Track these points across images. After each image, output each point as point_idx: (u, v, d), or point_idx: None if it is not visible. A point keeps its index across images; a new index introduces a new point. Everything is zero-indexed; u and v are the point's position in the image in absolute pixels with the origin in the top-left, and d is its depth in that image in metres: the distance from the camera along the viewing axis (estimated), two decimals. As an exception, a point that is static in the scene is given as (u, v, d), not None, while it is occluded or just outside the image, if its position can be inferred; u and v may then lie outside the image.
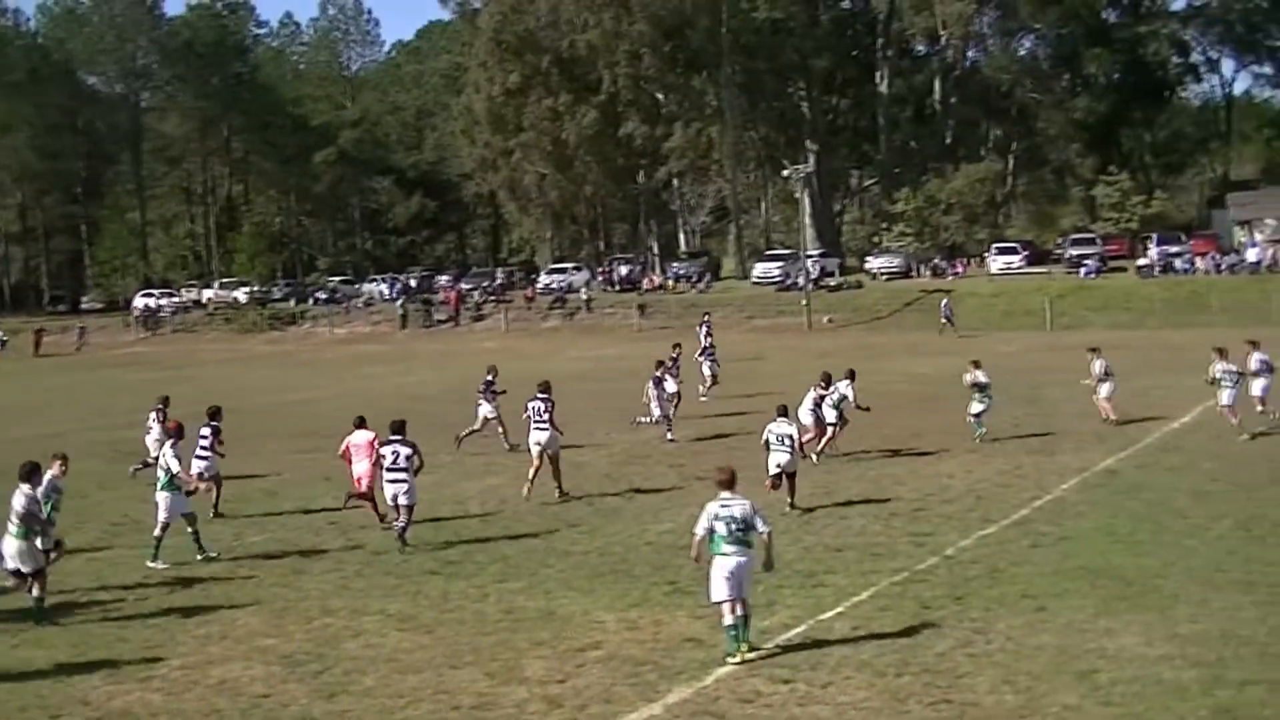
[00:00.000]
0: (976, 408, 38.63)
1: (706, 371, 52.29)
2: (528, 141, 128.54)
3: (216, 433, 31.81)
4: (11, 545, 22.18)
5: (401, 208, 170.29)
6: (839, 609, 20.87)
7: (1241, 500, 28.64)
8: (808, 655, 18.54)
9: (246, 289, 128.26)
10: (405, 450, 27.64)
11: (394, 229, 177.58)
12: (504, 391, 40.87)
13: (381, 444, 28.39)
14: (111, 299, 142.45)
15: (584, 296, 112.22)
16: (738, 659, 18.48)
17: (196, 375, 62.40)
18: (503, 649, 19.40)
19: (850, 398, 36.38)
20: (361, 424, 30.45)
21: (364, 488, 29.61)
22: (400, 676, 18.25)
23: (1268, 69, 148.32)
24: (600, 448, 39.69)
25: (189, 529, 26.47)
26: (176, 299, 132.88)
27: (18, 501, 22.23)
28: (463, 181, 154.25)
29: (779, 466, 29.39)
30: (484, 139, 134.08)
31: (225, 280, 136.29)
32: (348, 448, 30.15)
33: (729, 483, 19.15)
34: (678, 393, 44.31)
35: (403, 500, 27.35)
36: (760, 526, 18.94)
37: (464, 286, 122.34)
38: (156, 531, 26.25)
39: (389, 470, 27.60)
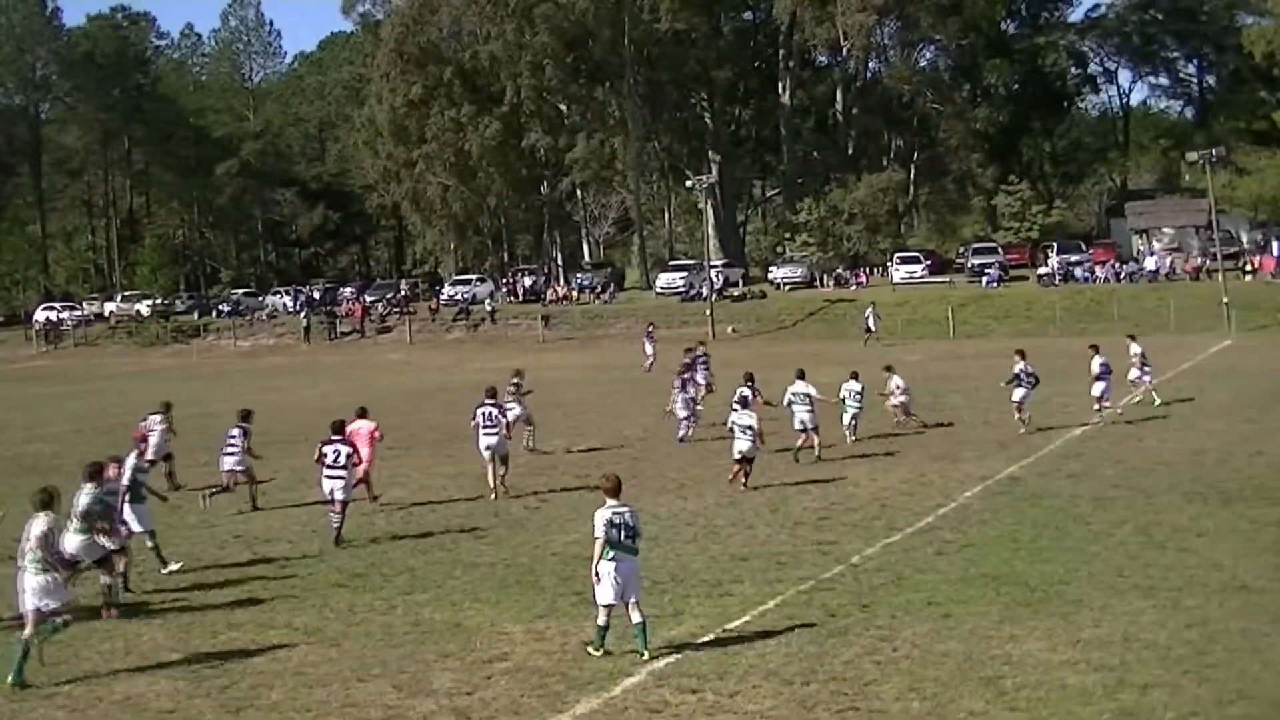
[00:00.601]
0: (1019, 394, 41.86)
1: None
2: (431, 153, 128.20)
3: (246, 434, 33.23)
4: (74, 541, 22.78)
5: (305, 219, 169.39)
6: (746, 618, 20.92)
7: (1141, 506, 28.94)
8: (715, 664, 18.57)
9: (149, 302, 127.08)
10: (345, 449, 29.22)
11: (297, 241, 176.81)
12: (530, 391, 41.19)
13: (323, 443, 29.53)
14: (12, 312, 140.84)
15: (488, 308, 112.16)
16: (599, 654, 19.06)
17: (99, 389, 61.84)
18: (410, 661, 19.35)
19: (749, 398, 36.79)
20: (363, 414, 34.02)
21: (361, 474, 31.49)
22: (307, 690, 18.16)
23: (1164, 80, 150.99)
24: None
25: (149, 543, 26.33)
26: (78, 312, 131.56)
27: (81, 500, 23.42)
28: (366, 193, 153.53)
29: (741, 454, 32.18)
30: (387, 150, 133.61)
31: (128, 293, 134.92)
32: (354, 433, 31.63)
33: (615, 490, 19.70)
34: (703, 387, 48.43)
35: (339, 495, 28.72)
36: (640, 532, 19.68)
37: (368, 298, 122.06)
38: (149, 543, 26.23)
39: (328, 468, 28.95)
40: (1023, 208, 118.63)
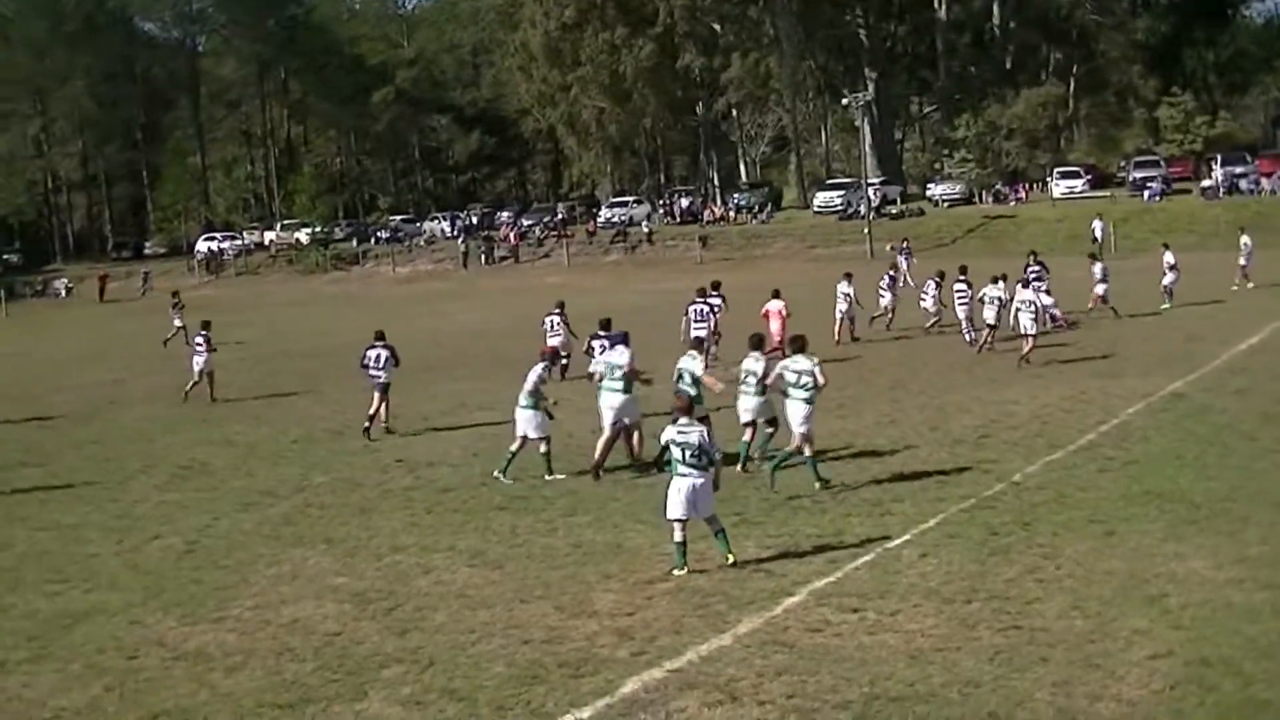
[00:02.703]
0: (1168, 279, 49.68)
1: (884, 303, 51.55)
2: (585, 76, 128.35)
3: (393, 351, 34.73)
4: (523, 415, 27.00)
5: (460, 145, 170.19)
6: (906, 537, 20.84)
7: (1310, 421, 28.50)
8: (876, 583, 18.53)
9: (308, 230, 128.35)
10: (384, 352, 33.93)
11: (454, 166, 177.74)
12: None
13: (591, 338, 35.12)
14: (174, 244, 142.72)
15: (645, 230, 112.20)
16: (684, 571, 19.32)
17: (262, 318, 62.68)
18: (572, 582, 19.48)
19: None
20: (777, 294, 43.46)
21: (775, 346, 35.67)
22: (471, 612, 18.33)
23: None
24: (662, 380, 39.67)
25: (541, 450, 27.27)
26: (239, 242, 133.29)
27: (531, 377, 27.21)
28: (521, 117, 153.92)
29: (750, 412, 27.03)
30: (541, 74, 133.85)
31: (287, 222, 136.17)
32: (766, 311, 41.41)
33: (687, 409, 20.21)
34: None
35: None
36: (714, 455, 19.79)
37: (525, 222, 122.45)
38: (513, 447, 27.42)
39: (370, 369, 33.82)
40: (1185, 119, 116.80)
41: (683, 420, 19.74)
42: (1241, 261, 57.69)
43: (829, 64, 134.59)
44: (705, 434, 19.73)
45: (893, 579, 18.68)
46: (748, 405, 26.57)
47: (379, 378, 33.92)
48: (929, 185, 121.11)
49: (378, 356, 34.00)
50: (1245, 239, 58.56)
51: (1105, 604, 17.18)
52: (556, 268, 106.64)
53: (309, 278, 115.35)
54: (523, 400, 27.26)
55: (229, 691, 15.81)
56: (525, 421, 27.15)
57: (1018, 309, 39.81)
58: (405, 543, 22.38)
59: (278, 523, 24.59)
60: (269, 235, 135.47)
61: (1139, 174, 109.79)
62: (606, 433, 27.52)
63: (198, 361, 42.64)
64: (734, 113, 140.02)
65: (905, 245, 70.13)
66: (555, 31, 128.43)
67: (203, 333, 43.30)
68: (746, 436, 26.81)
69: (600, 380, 28.19)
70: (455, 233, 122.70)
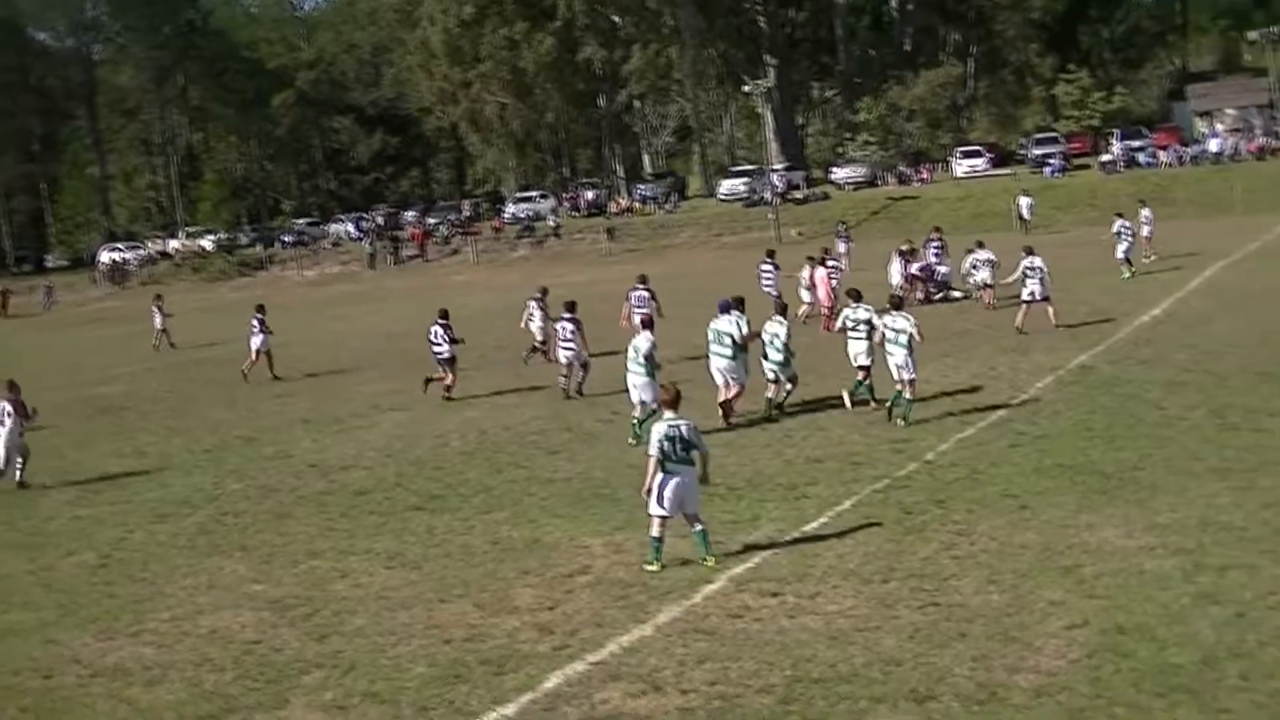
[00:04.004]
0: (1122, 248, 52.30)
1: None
2: (486, 72, 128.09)
3: (578, 324, 36.18)
4: (640, 381, 28.74)
5: (363, 146, 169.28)
6: (823, 519, 20.98)
7: (1214, 389, 28.81)
8: (794, 567, 18.64)
9: (213, 237, 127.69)
10: (571, 326, 35.73)
11: (357, 167, 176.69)
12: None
13: (558, 320, 36.81)
14: (76, 255, 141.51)
15: (551, 224, 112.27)
16: (656, 568, 19.01)
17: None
18: (491, 580, 19.48)
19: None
20: (823, 261, 47.29)
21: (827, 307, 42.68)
22: (390, 614, 18.31)
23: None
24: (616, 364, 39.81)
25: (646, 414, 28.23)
26: (142, 251, 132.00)
27: (643, 346, 28.99)
28: (423, 116, 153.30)
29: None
30: (442, 72, 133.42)
31: (191, 229, 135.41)
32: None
33: (673, 402, 19.74)
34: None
35: (575, 361, 35.92)
36: (701, 445, 19.49)
37: (431, 221, 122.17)
38: (637, 414, 28.88)
39: (562, 341, 36.17)
40: (1083, 96, 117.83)
41: (669, 414, 19.50)
42: (1145, 234, 58.43)
43: (729, 52, 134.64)
44: (693, 427, 19.54)
45: (810, 562, 18.79)
46: (773, 359, 30.26)
47: (441, 352, 37.39)
48: (833, 169, 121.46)
49: (436, 332, 37.62)
50: (1146, 212, 59.75)
51: (1021, 577, 17.35)
52: (464, 265, 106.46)
53: (215, 285, 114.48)
54: (636, 369, 29.08)
55: (149, 706, 15.73)
56: (642, 388, 28.76)
57: (1026, 275, 41.10)
58: (322, 547, 22.31)
59: (193, 532, 24.43)
60: (173, 244, 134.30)
61: (1039, 151, 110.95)
62: (723, 392, 29.93)
63: (255, 342, 45.99)
64: (636, 104, 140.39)
65: (843, 229, 69.96)
66: (455, 28, 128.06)
67: (258, 315, 46.37)
68: (770, 392, 30.43)
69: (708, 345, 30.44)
70: (361, 234, 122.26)
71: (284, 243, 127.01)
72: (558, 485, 25.47)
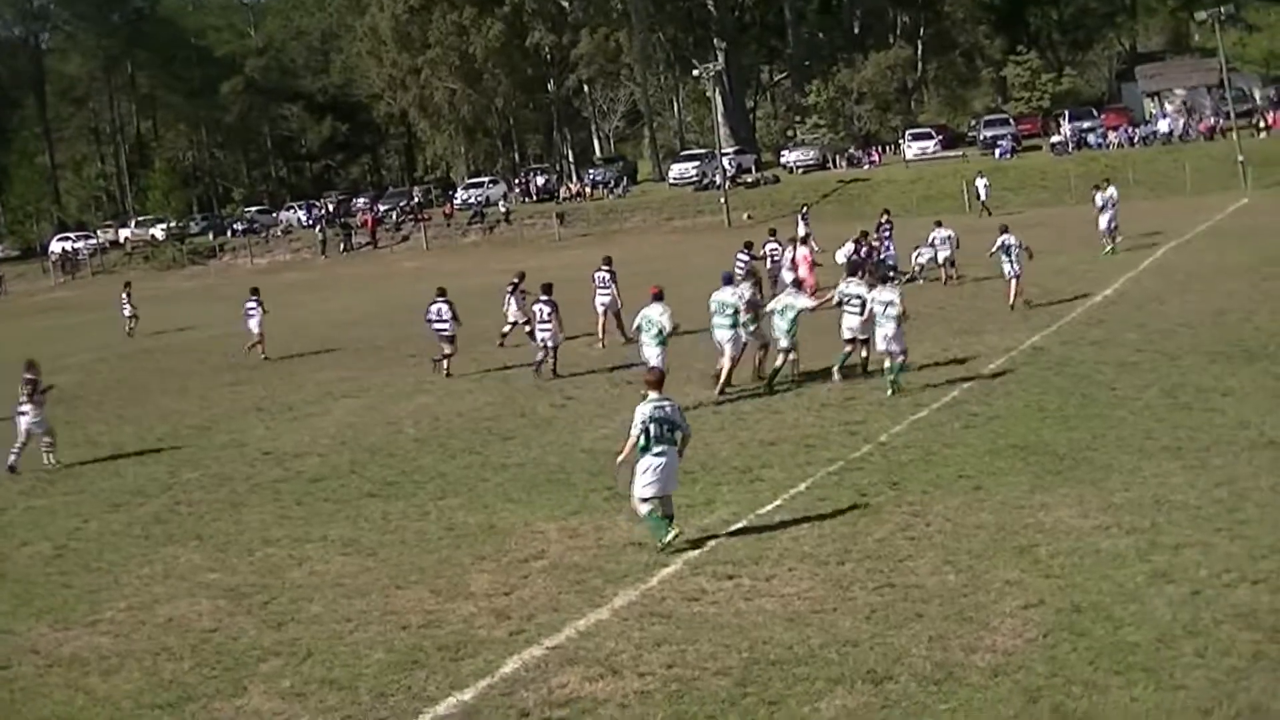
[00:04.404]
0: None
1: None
2: (435, 58, 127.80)
3: (555, 306, 36.53)
4: (725, 334, 30.93)
5: (313, 133, 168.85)
6: (777, 502, 21.00)
7: (1166, 369, 28.96)
8: (750, 550, 18.66)
9: (163, 226, 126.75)
10: (547, 308, 36.12)
11: (307, 155, 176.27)
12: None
13: (534, 303, 37.48)
14: (27, 245, 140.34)
15: (502, 209, 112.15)
16: (672, 535, 18.90)
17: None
18: (447, 566, 19.45)
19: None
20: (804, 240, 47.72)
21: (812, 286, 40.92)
22: (347, 600, 18.27)
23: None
24: (528, 360, 39.74)
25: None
26: (93, 241, 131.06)
27: (733, 299, 31.01)
28: (373, 102, 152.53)
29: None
30: (391, 58, 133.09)
31: (141, 218, 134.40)
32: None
33: (658, 383, 19.64)
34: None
35: (550, 342, 36.15)
36: (684, 427, 19.44)
37: (381, 208, 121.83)
38: (726, 365, 31.06)
39: (541, 323, 36.33)
40: (1032, 77, 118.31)
41: (653, 395, 19.31)
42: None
43: (678, 36, 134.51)
44: (677, 407, 19.46)
45: (766, 544, 18.81)
46: (780, 329, 31.23)
47: (444, 329, 38.17)
48: (783, 152, 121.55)
49: (439, 310, 38.43)
50: (1112, 191, 58.27)
51: (976, 558, 17.41)
52: (415, 252, 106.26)
53: (166, 274, 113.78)
54: (722, 321, 31.07)
55: (106, 695, 15.67)
56: (726, 340, 31.00)
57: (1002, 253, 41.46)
58: (277, 535, 22.24)
59: (148, 522, 24.33)
60: (124, 233, 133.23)
61: (989, 133, 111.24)
62: (727, 363, 31.27)
63: (253, 323, 47.73)
64: (585, 89, 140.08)
65: (805, 211, 69.64)
66: (403, 14, 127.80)
67: (254, 297, 48.26)
68: (779, 362, 31.40)
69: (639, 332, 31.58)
70: (311, 221, 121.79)
71: (235, 231, 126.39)
72: (512, 471, 25.46)
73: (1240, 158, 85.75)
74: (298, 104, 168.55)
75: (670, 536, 18.89)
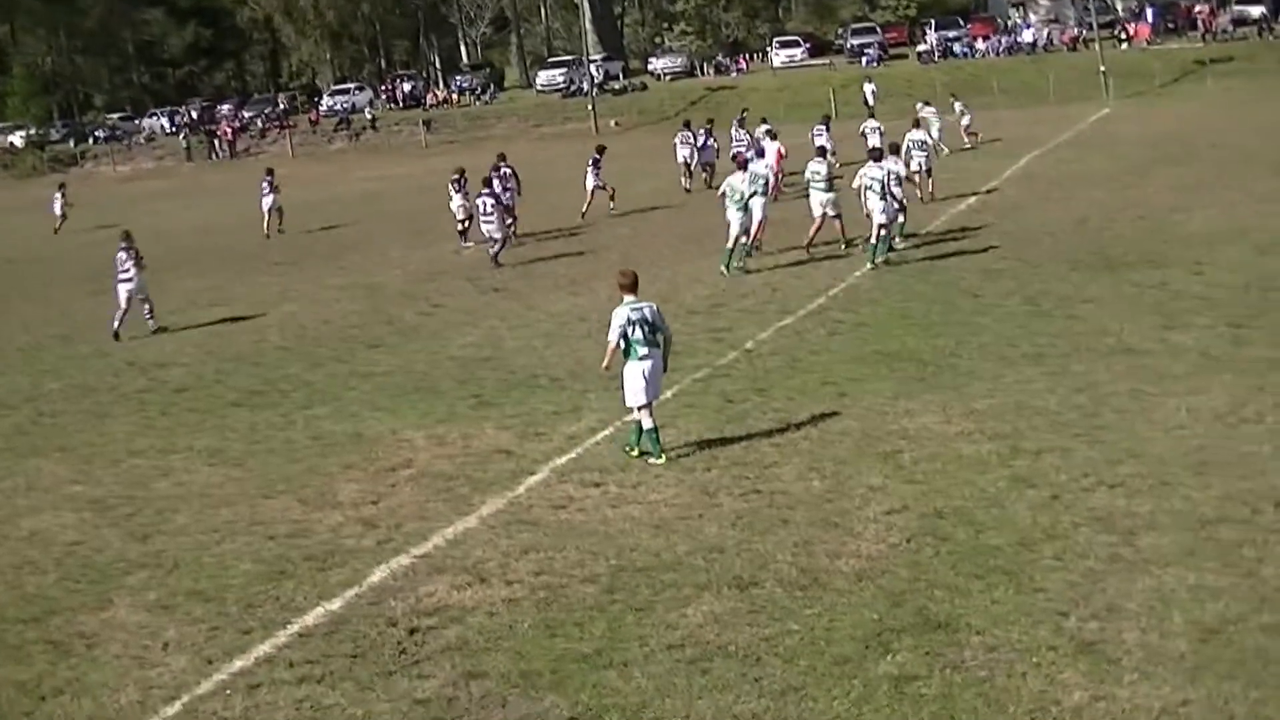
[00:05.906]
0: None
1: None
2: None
3: (498, 199, 38.87)
4: (821, 197, 34.57)
5: (176, 39, 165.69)
6: (644, 410, 21.05)
7: (1028, 276, 29.29)
8: (617, 457, 18.73)
9: (22, 133, 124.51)
10: (490, 200, 37.87)
11: (170, 61, 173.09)
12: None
13: (477, 196, 39.02)
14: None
15: (369, 116, 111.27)
16: (661, 462, 18.38)
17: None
18: (314, 475, 19.39)
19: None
20: (773, 136, 47.99)
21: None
22: (213, 511, 18.17)
23: None
24: (395, 267, 39.56)
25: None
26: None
27: (745, 181, 33.69)
28: (236, 7, 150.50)
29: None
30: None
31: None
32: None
33: (632, 286, 18.69)
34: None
35: (496, 234, 37.87)
36: (665, 328, 18.77)
37: (246, 115, 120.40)
38: (742, 237, 33.64)
39: (484, 215, 38.15)
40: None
41: (629, 298, 18.52)
42: (965, 122, 61.04)
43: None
44: (656, 309, 18.68)
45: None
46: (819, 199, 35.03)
47: (490, 220, 38.15)
48: (650, 60, 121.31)
49: (485, 205, 38.27)
50: (958, 105, 61.91)
51: (841, 464, 17.57)
52: (281, 159, 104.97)
53: (26, 181, 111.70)
54: (735, 201, 33.26)
55: (-32, 608, 15.53)
56: (743, 217, 33.29)
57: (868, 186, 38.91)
58: (142, 446, 22.06)
59: (10, 433, 24.07)
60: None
61: (856, 41, 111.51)
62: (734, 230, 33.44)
63: (265, 203, 51.53)
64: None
65: (743, 115, 69.14)
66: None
67: (268, 178, 52.32)
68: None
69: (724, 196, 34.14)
70: (175, 129, 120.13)
71: (97, 138, 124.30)
72: (378, 379, 25.39)
73: (1103, 68, 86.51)
74: (160, 8, 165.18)
75: (661, 461, 18.38)
